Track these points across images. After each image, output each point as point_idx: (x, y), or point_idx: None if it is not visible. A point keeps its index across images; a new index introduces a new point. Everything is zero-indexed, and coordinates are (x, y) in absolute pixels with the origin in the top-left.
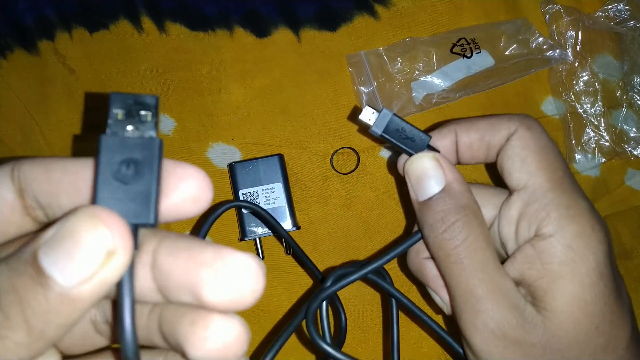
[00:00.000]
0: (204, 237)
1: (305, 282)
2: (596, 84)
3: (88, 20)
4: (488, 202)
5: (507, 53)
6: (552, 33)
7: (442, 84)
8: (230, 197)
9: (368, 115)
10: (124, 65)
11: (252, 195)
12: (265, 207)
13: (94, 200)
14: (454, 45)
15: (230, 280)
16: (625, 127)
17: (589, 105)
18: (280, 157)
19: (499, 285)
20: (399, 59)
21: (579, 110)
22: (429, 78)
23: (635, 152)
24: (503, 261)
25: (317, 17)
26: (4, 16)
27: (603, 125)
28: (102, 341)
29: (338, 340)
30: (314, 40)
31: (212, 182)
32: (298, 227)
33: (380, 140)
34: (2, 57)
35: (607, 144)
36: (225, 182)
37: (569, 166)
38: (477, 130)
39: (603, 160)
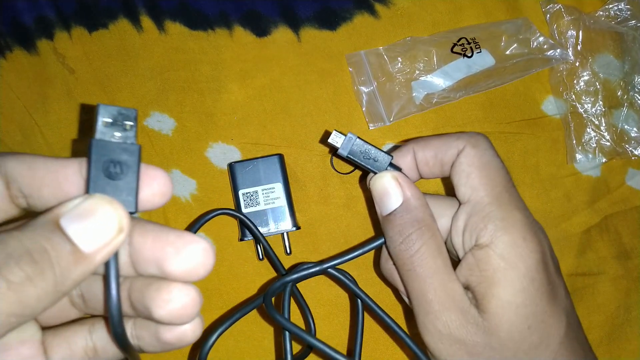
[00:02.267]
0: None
1: (306, 282)
2: (597, 84)
3: (87, 19)
4: (445, 213)
5: (507, 52)
6: (552, 32)
7: (442, 84)
8: (230, 197)
9: (335, 139)
10: (124, 64)
11: (252, 195)
12: (265, 207)
13: (87, 190)
14: (455, 44)
15: (188, 256)
16: (626, 126)
17: (589, 105)
18: (280, 157)
19: (447, 290)
20: (399, 58)
21: (580, 110)
22: (429, 78)
23: (636, 152)
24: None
25: (317, 17)
26: (4, 16)
27: (604, 125)
28: (75, 313)
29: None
30: (314, 39)
31: (212, 182)
32: (298, 227)
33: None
34: (1, 57)
35: (608, 143)
36: (225, 182)
37: (511, 181)
38: (431, 149)
39: (604, 160)
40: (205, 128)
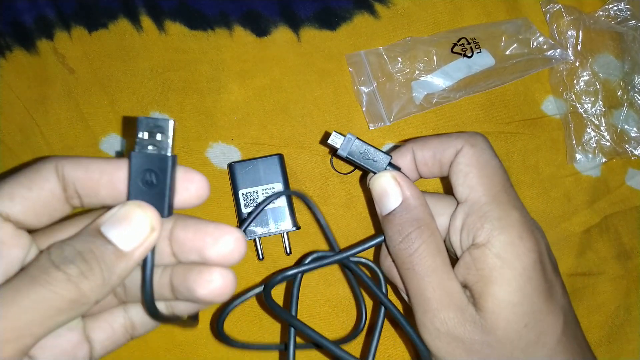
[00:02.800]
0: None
1: (305, 282)
2: (597, 84)
3: (87, 19)
4: (443, 212)
5: (507, 52)
6: (552, 32)
7: (442, 84)
8: (230, 197)
9: (335, 140)
10: (124, 64)
11: (252, 196)
12: (265, 207)
13: (128, 197)
14: (455, 44)
15: (224, 244)
16: (625, 126)
17: (589, 105)
18: (280, 157)
19: (445, 288)
20: (399, 58)
21: (580, 110)
22: (429, 78)
23: (635, 152)
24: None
25: (317, 17)
26: (4, 15)
27: (604, 125)
28: (115, 302)
29: None
30: (313, 39)
31: (212, 182)
32: (298, 227)
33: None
34: (1, 57)
35: (608, 143)
36: (225, 182)
37: (509, 180)
38: (430, 149)
39: (604, 160)
40: (205, 128)
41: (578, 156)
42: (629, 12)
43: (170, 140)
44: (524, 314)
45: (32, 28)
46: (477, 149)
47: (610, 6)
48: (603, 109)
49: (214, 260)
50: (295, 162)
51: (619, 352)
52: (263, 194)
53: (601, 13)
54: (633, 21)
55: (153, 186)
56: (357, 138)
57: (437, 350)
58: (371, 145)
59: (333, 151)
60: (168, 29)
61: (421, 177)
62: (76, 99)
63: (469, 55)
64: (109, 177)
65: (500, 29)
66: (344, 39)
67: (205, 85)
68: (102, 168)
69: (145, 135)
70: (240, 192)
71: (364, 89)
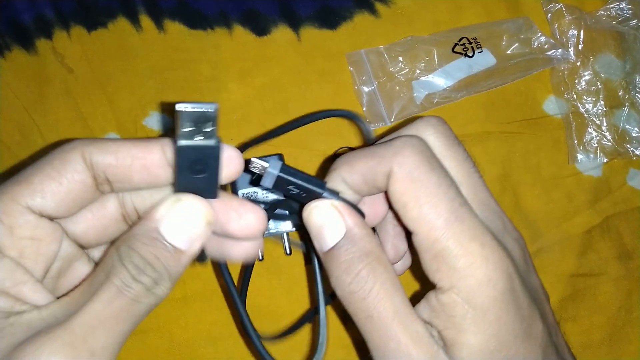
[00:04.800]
0: None
1: (305, 283)
2: (598, 84)
3: (86, 19)
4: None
5: (508, 52)
6: (554, 32)
7: (443, 84)
8: None
9: (256, 168)
10: (123, 64)
11: (252, 196)
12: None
13: (177, 186)
14: (456, 44)
15: (247, 219)
16: (627, 126)
17: (591, 105)
18: (280, 157)
19: (411, 335)
20: (400, 58)
21: (581, 109)
22: (430, 77)
23: (637, 152)
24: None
25: (317, 16)
26: (3, 15)
27: (605, 124)
28: (126, 227)
29: None
30: (314, 38)
31: None
32: (298, 228)
33: None
34: (0, 57)
35: (609, 143)
36: None
37: (459, 196)
38: (357, 173)
39: (605, 160)
40: None
41: (579, 156)
42: (630, 12)
43: (216, 128)
44: None
45: (31, 28)
46: (406, 166)
47: (612, 6)
48: (604, 109)
49: (236, 234)
50: (295, 162)
51: (620, 353)
52: (263, 194)
53: (602, 12)
54: (634, 21)
55: (202, 175)
56: (283, 164)
57: None
58: (300, 172)
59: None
60: (167, 29)
61: (363, 197)
62: (75, 98)
63: (470, 54)
64: (142, 162)
65: (502, 29)
66: (345, 38)
67: (205, 85)
68: (133, 153)
69: (190, 126)
70: (240, 192)
71: (364, 88)
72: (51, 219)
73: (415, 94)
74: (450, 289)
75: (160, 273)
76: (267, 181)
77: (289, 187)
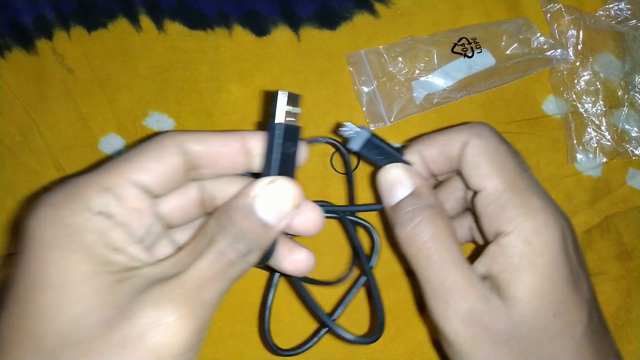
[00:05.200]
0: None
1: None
2: (597, 84)
3: (86, 19)
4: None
5: (508, 52)
6: (553, 32)
7: (443, 84)
8: None
9: (347, 131)
10: (123, 64)
11: None
12: None
13: (267, 169)
14: (455, 44)
15: (307, 217)
16: (626, 126)
17: (590, 105)
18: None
19: (467, 277)
20: (399, 58)
21: (580, 109)
22: (430, 78)
23: (636, 152)
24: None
25: (317, 16)
26: (3, 15)
27: (604, 124)
28: (201, 212)
29: None
30: (313, 39)
31: None
32: None
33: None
34: (0, 57)
35: (609, 143)
36: None
37: (524, 164)
38: (435, 146)
39: (604, 160)
40: (205, 128)
41: (579, 156)
42: (629, 12)
43: (300, 113)
44: (553, 302)
45: (31, 28)
46: (483, 138)
47: (611, 6)
48: (604, 109)
49: (296, 230)
50: None
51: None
52: None
53: (602, 13)
54: (633, 21)
55: (287, 157)
56: (371, 133)
57: (462, 343)
58: (384, 142)
59: (344, 144)
60: (167, 29)
61: (434, 175)
62: (75, 98)
63: (470, 55)
64: (226, 149)
65: (501, 29)
66: (344, 39)
67: (205, 85)
68: (219, 142)
69: (284, 108)
70: None
71: (364, 88)
72: (149, 195)
73: (414, 94)
74: (512, 232)
75: (252, 244)
76: (357, 143)
77: (372, 151)
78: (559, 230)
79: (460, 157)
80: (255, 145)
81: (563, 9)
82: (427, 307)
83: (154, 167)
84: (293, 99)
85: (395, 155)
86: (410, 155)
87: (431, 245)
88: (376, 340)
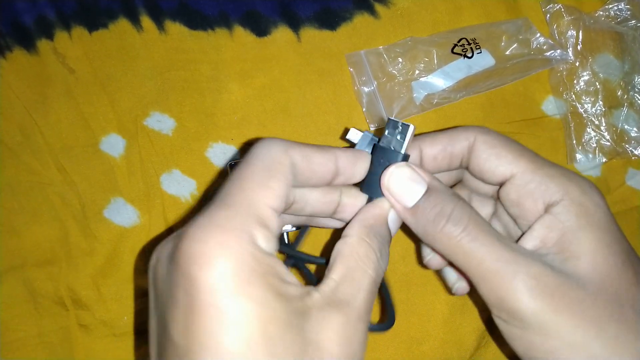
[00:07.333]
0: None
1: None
2: (597, 84)
3: (87, 19)
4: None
5: (507, 53)
6: (552, 33)
7: (443, 84)
8: None
9: (352, 136)
10: (124, 64)
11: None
12: None
13: (365, 188)
14: (455, 45)
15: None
16: (626, 126)
17: (589, 105)
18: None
19: (521, 251)
20: (399, 58)
21: (580, 110)
22: (429, 78)
23: (636, 152)
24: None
25: (317, 17)
26: (4, 16)
27: (604, 125)
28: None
29: None
30: (313, 39)
31: (212, 181)
32: (298, 227)
33: None
34: (1, 57)
35: (608, 143)
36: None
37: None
38: (439, 143)
39: (604, 160)
40: (205, 128)
41: (578, 156)
42: (629, 12)
43: (404, 142)
44: (619, 252)
45: (32, 28)
46: (491, 134)
47: (610, 6)
48: (603, 109)
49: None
50: None
51: None
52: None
53: (601, 13)
54: (633, 21)
55: (381, 170)
56: (373, 135)
57: (541, 312)
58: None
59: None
60: (168, 29)
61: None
62: (76, 98)
63: (469, 55)
64: (325, 169)
65: (501, 29)
66: (344, 39)
67: (205, 85)
68: (320, 160)
69: (388, 134)
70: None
71: (364, 89)
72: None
73: (414, 95)
74: (562, 198)
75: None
76: (362, 145)
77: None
78: (599, 192)
79: (468, 153)
80: (345, 167)
81: (563, 10)
82: (482, 291)
83: (283, 190)
84: (401, 129)
85: (395, 154)
86: (410, 151)
87: (472, 229)
88: (389, 327)
